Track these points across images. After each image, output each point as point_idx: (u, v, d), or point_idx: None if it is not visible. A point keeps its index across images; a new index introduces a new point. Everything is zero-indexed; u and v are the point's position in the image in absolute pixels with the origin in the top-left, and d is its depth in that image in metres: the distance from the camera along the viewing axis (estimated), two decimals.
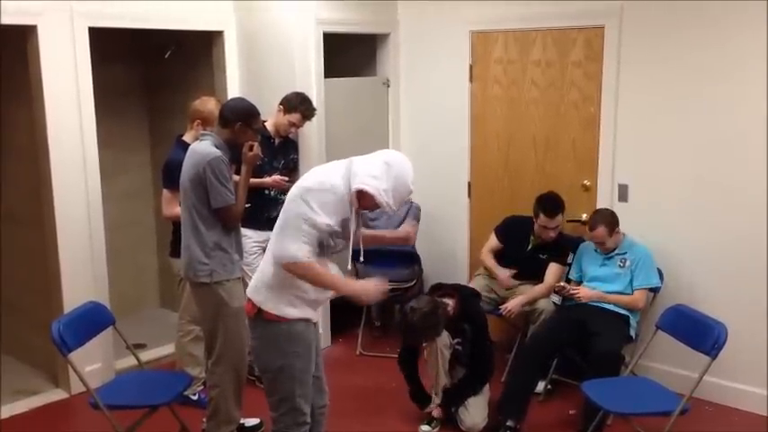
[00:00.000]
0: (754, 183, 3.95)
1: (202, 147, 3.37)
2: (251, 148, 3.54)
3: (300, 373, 2.94)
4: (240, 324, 3.45)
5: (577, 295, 4.16)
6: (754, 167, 3.94)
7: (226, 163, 3.35)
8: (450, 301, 3.89)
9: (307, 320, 2.94)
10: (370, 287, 2.90)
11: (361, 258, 2.96)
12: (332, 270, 2.99)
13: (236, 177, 3.54)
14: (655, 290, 4.18)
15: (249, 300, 2.94)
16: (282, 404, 2.97)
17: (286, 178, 4.31)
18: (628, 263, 4.15)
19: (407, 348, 4.03)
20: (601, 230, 4.11)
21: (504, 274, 4.48)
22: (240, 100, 3.71)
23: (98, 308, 3.63)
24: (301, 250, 2.73)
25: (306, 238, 2.73)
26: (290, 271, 2.77)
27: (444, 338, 3.87)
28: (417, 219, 5.05)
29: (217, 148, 3.35)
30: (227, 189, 3.33)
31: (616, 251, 4.19)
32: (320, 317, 3.14)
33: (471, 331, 3.94)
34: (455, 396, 3.93)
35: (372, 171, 2.77)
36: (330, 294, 3.02)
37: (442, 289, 4.05)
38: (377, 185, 2.74)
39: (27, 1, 3.95)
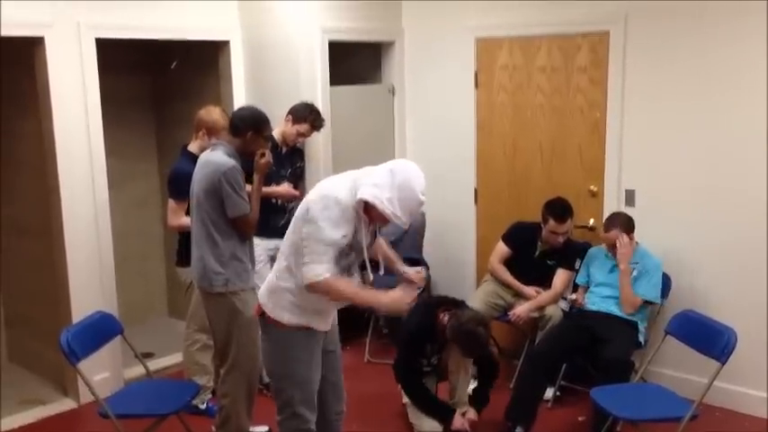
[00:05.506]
0: (761, 186, 3.94)
1: (216, 157, 3.37)
2: (262, 156, 3.54)
3: (302, 379, 2.94)
4: (254, 333, 3.45)
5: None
6: (762, 171, 3.92)
7: (240, 172, 3.36)
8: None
9: (308, 329, 2.91)
10: (398, 297, 2.84)
11: (381, 272, 2.93)
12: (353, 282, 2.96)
13: (247, 187, 3.54)
14: (651, 303, 4.13)
15: (258, 302, 2.99)
16: (285, 409, 2.98)
17: (297, 192, 4.32)
18: (635, 273, 4.12)
19: (411, 367, 3.88)
20: (615, 234, 4.09)
21: (530, 292, 4.42)
22: (249, 108, 3.68)
23: (106, 317, 3.64)
24: (324, 269, 2.70)
25: (325, 257, 2.70)
26: (317, 292, 2.74)
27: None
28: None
29: (229, 157, 3.36)
30: (242, 198, 3.34)
31: None
32: (335, 325, 3.13)
33: None
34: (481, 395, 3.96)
35: (375, 180, 2.71)
36: (338, 305, 2.97)
37: (442, 305, 3.93)
38: (378, 194, 2.67)
39: (34, 9, 3.97)
